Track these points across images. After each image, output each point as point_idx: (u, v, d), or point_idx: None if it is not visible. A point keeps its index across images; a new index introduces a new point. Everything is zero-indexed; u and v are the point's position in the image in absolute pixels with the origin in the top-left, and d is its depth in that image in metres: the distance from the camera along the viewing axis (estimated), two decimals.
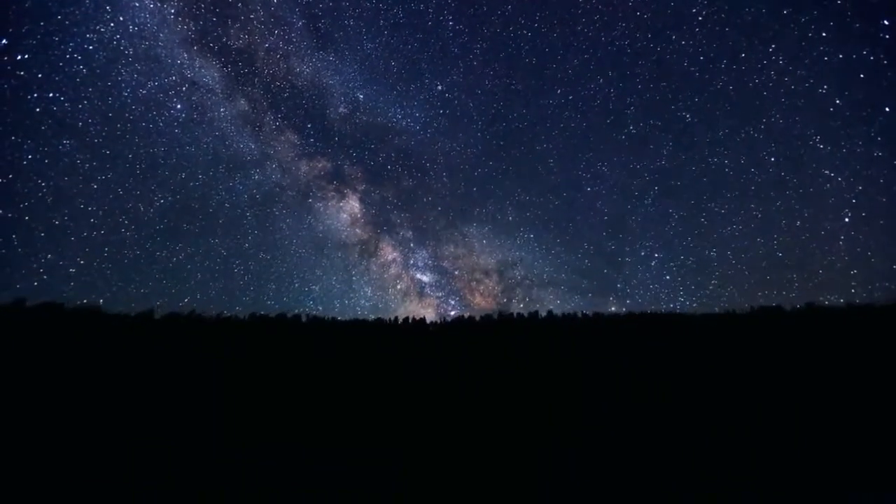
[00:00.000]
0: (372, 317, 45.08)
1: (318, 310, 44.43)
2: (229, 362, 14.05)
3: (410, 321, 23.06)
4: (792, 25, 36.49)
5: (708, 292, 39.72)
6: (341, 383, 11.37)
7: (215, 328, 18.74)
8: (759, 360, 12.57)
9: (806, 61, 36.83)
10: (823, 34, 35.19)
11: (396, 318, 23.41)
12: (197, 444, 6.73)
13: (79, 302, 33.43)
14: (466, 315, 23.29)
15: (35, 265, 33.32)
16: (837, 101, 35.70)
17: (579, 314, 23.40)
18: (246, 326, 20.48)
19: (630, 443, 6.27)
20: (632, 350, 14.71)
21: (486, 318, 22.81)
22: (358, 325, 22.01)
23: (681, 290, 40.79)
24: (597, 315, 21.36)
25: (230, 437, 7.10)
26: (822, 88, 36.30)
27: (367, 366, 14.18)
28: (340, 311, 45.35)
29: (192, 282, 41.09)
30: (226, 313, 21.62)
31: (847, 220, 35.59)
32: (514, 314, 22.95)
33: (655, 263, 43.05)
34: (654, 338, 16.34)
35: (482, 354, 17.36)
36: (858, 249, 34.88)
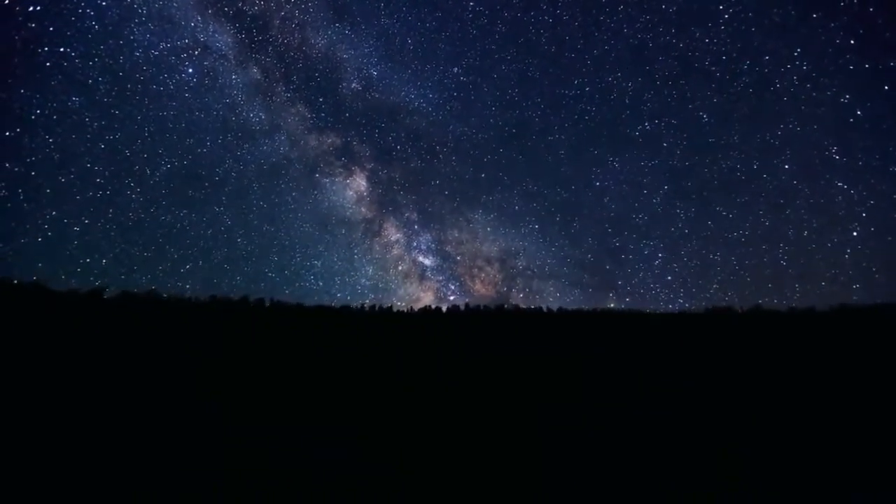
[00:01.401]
0: (372, 295, 45.37)
1: (319, 284, 44.09)
2: (186, 345, 13.64)
3: (377, 309, 23.02)
4: (820, 30, 35.66)
5: (709, 296, 40.04)
6: (301, 370, 11.25)
7: (172, 309, 18.10)
8: (715, 359, 13.26)
9: (831, 68, 36.08)
10: (851, 41, 34.64)
11: (363, 305, 23.32)
12: (144, 428, 6.55)
13: (81, 261, 33.15)
14: (434, 306, 23.41)
15: (40, 221, 33.39)
16: (858, 112, 35.35)
17: (544, 308, 24.03)
18: (206, 308, 19.89)
19: (604, 440, 6.49)
20: (583, 345, 15.23)
21: (454, 310, 23.06)
22: (323, 312, 21.77)
23: (681, 292, 40.94)
24: (551, 311, 22.00)
25: (181, 421, 6.93)
26: (845, 98, 35.80)
27: (330, 353, 14.08)
28: (341, 287, 45.12)
29: (195, 248, 40.75)
30: (186, 294, 20.92)
31: (855, 234, 35.52)
32: (482, 306, 23.32)
33: (658, 263, 42.99)
34: (613, 334, 16.98)
35: (449, 345, 17.54)
36: (864, 264, 34.79)
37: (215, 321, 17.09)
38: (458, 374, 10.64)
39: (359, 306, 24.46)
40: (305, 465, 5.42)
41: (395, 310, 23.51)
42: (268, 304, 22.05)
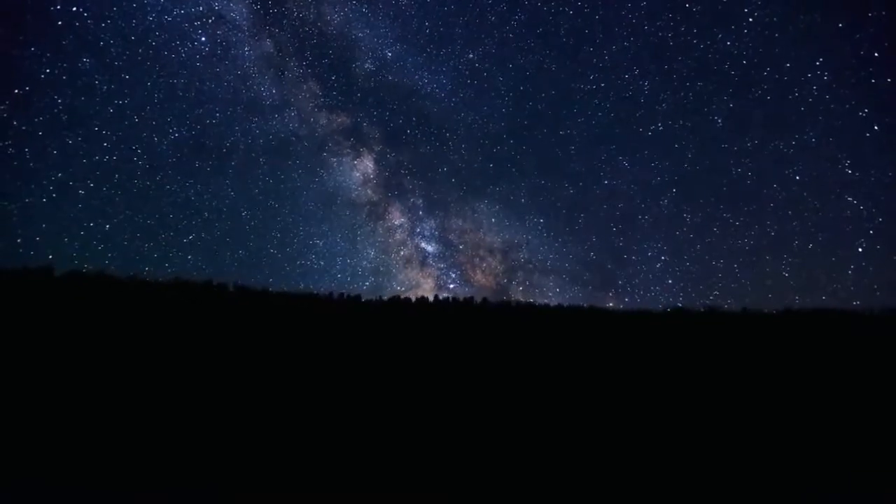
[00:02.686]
0: (372, 278, 45.53)
1: (321, 264, 44.24)
2: (139, 331, 13.09)
3: (346, 297, 22.78)
4: (844, 41, 34.35)
5: (707, 302, 40.28)
6: (262, 361, 11.03)
7: (127, 291, 17.30)
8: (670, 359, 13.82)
9: (852, 80, 34.76)
10: (876, 54, 33.22)
11: (331, 293, 23.01)
12: (89, 418, 6.26)
13: (84, 224, 33.41)
14: (402, 296, 23.32)
15: (45, 182, 32.38)
16: (875, 127, 33.97)
17: (512, 302, 24.40)
18: (165, 291, 19.11)
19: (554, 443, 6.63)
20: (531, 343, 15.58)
21: (422, 301, 23.08)
22: (288, 298, 21.33)
23: (681, 296, 40.86)
24: (519, 304, 22.40)
25: (134, 412, 6.66)
26: (863, 111, 34.41)
27: (291, 343, 13.84)
28: (342, 268, 45.16)
29: (199, 219, 40.41)
30: (143, 275, 20.01)
31: (861, 250, 34.25)
32: (451, 298, 23.43)
33: (660, 266, 42.71)
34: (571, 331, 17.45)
35: (416, 337, 17.56)
36: (866, 280, 34.65)
37: (173, 305, 16.46)
38: (424, 368, 10.65)
39: (327, 293, 24.13)
40: (259, 460, 5.30)
41: (363, 299, 23.34)
42: (231, 289, 21.41)
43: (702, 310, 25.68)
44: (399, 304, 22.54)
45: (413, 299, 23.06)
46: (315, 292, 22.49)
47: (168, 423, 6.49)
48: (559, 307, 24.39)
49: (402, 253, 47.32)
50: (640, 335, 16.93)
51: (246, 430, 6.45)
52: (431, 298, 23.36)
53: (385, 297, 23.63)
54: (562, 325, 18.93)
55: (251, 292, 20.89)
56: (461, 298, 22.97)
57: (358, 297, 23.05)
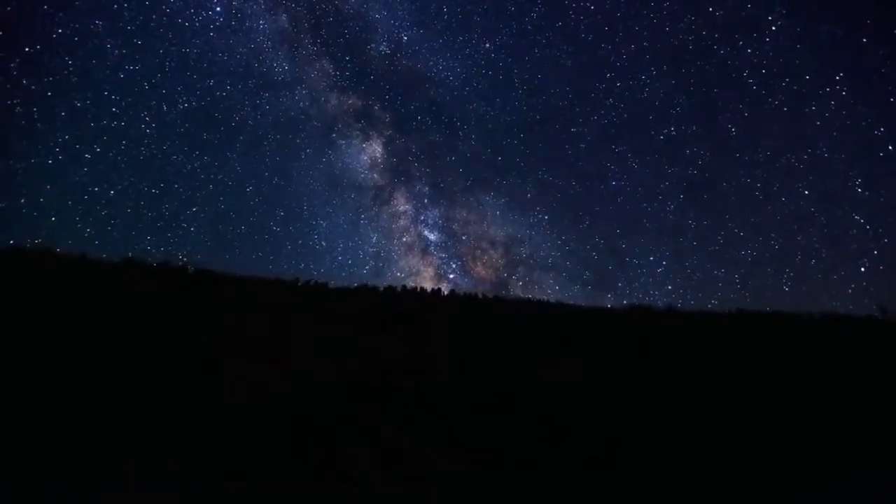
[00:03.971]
0: (373, 263, 44.71)
1: (322, 245, 43.51)
2: (87, 316, 12.40)
3: (311, 284, 22.36)
4: (865, 56, 34.32)
5: (706, 310, 40.74)
6: (224, 350, 10.67)
7: (77, 270, 16.34)
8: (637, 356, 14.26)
9: (870, 97, 34.94)
10: None
11: (297, 279, 22.53)
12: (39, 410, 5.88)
13: (89, 189, 31.85)
14: (382, 288, 23.19)
15: (52, 143, 33.29)
16: (890, 147, 34.48)
17: (481, 295, 24.62)
18: (117, 272, 18.17)
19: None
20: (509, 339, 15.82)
21: (390, 290, 22.95)
22: (255, 283, 20.74)
23: (679, 303, 41.12)
24: (487, 298, 22.64)
25: (78, 403, 6.30)
26: (879, 130, 34.71)
27: (258, 331, 13.47)
28: (343, 251, 44.47)
29: (204, 191, 39.52)
30: (93, 255, 18.94)
31: (863, 269, 35.69)
32: (419, 288, 23.40)
33: (661, 271, 42.63)
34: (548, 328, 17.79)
35: (388, 329, 17.46)
36: (866, 301, 35.67)
37: (124, 287, 15.67)
38: (398, 360, 10.59)
39: (294, 280, 23.66)
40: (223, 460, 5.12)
41: (331, 286, 22.99)
42: (191, 271, 20.60)
43: (662, 308, 26.74)
44: (367, 293, 22.33)
45: (381, 289, 22.92)
46: (282, 278, 22.00)
47: (117, 412, 6.20)
48: (529, 300, 24.84)
49: (404, 239, 46.71)
50: (598, 331, 17.44)
51: (215, 422, 6.24)
52: (403, 288, 23.28)
53: (354, 286, 23.40)
54: (531, 321, 19.25)
55: (213, 275, 20.16)
56: (429, 290, 23.02)
57: (325, 284, 22.72)
